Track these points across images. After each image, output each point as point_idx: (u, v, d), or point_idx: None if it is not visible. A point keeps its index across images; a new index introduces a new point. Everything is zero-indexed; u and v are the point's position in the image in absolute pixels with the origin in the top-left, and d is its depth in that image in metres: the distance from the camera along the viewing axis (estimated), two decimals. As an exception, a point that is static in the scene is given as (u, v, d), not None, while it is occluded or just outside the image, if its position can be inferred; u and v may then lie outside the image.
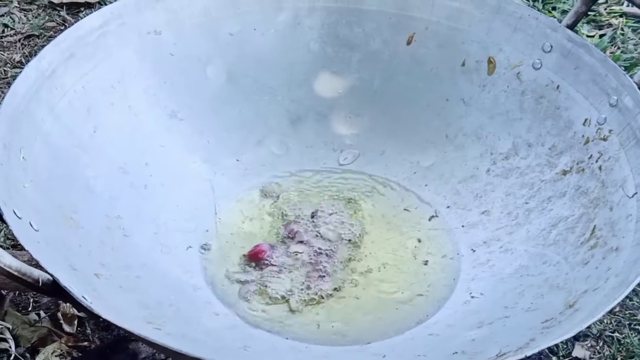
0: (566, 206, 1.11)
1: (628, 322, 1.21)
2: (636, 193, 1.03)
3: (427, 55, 1.24)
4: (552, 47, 1.17)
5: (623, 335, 1.19)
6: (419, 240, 1.17)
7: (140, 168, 1.14)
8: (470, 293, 1.09)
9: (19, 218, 0.92)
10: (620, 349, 1.19)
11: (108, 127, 1.13)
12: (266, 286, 1.09)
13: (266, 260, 1.12)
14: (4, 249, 1.21)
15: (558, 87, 1.16)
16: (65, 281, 0.86)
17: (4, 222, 0.90)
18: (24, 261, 0.95)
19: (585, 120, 1.13)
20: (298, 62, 1.26)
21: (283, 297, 1.08)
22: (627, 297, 1.23)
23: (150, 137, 1.17)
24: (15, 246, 1.24)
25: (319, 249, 1.14)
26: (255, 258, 1.12)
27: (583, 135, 1.13)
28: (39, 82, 1.06)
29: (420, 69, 1.25)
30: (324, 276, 1.11)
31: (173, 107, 1.20)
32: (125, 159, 1.13)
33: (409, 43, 1.25)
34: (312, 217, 1.17)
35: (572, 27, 1.17)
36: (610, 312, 1.22)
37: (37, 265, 0.87)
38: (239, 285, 1.10)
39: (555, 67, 1.17)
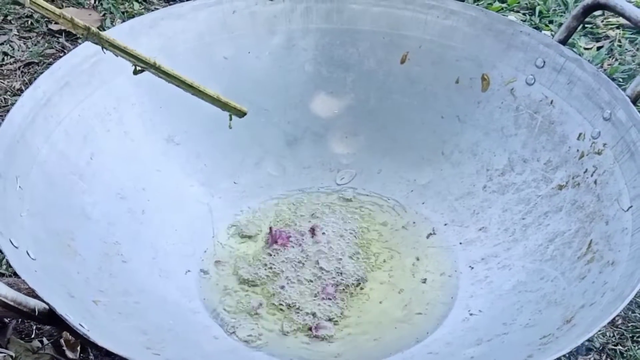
0: (563, 221, 1.11)
1: (631, 335, 1.20)
2: (631, 206, 1.03)
3: (421, 73, 1.25)
4: (545, 62, 1.17)
5: (626, 348, 1.19)
6: (417, 259, 1.17)
7: (137, 193, 1.15)
8: (469, 310, 1.09)
9: (16, 247, 0.93)
10: (623, 362, 1.18)
11: (104, 153, 1.14)
12: (269, 307, 1.10)
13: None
14: (6, 276, 1.22)
15: (552, 102, 1.17)
16: (62, 309, 0.86)
17: (1, 251, 0.91)
18: (25, 288, 0.96)
19: (580, 134, 1.13)
20: (293, 83, 1.27)
21: (285, 317, 1.09)
22: (629, 309, 1.23)
23: (146, 162, 1.18)
24: (16, 274, 1.24)
25: (321, 269, 1.14)
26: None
27: (578, 150, 1.13)
28: (34, 110, 1.07)
29: (414, 87, 1.25)
30: (329, 299, 1.11)
31: (169, 131, 1.21)
32: (122, 184, 1.14)
33: (402, 62, 1.26)
34: (312, 234, 1.18)
35: (564, 42, 1.17)
36: (613, 324, 1.22)
37: (36, 294, 0.88)
38: (239, 307, 1.10)
39: (549, 83, 1.17)
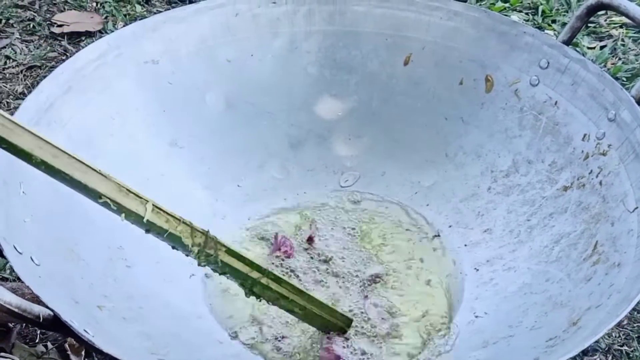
0: (568, 222, 1.11)
1: (636, 336, 1.20)
2: (637, 208, 1.03)
3: (424, 75, 1.25)
4: (549, 63, 1.17)
5: (632, 349, 1.19)
6: (422, 260, 1.17)
7: (141, 197, 1.14)
8: (475, 312, 1.09)
9: (20, 253, 0.92)
10: (629, 363, 1.18)
11: (108, 157, 1.13)
12: (273, 311, 1.09)
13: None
14: (10, 281, 1.21)
15: (556, 103, 1.16)
16: (67, 315, 0.86)
17: (5, 257, 0.91)
18: (29, 293, 0.96)
19: (584, 135, 1.13)
20: (296, 86, 1.26)
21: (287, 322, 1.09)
22: (635, 310, 1.23)
23: (150, 166, 1.17)
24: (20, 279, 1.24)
25: (325, 273, 1.14)
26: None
27: (582, 151, 1.13)
28: (38, 115, 1.07)
29: (418, 89, 1.25)
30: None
31: (173, 135, 1.21)
32: (126, 188, 1.14)
33: (406, 63, 1.25)
34: (315, 238, 1.17)
35: (568, 42, 1.17)
36: (619, 325, 1.21)
37: (40, 300, 0.88)
38: (242, 312, 1.10)
39: (553, 83, 1.17)
